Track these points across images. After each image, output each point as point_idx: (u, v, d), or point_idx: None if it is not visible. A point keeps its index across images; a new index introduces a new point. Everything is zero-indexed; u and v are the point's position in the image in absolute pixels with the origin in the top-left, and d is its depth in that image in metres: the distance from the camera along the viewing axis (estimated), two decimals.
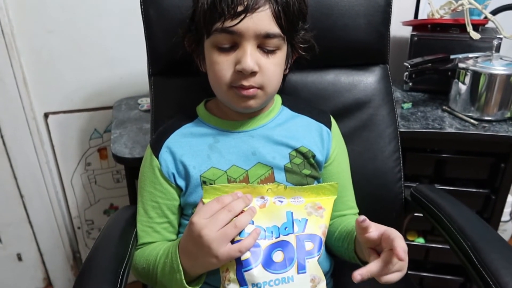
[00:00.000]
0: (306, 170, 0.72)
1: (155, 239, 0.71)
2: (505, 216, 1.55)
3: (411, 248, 1.24)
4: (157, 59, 0.86)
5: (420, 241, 1.24)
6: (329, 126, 0.77)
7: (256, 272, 0.56)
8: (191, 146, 0.70)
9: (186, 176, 0.69)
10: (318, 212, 0.62)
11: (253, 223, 0.59)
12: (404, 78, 1.05)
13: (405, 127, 1.02)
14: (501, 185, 1.08)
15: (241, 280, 0.57)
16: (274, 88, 0.68)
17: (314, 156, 0.73)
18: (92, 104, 1.27)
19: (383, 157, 0.89)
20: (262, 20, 0.61)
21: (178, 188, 0.70)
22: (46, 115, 1.26)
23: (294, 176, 0.70)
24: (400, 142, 0.91)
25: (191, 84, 0.86)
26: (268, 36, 0.62)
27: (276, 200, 0.62)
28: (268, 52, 0.64)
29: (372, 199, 0.90)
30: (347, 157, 0.81)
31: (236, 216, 0.58)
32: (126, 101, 1.22)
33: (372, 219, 0.89)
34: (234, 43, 0.63)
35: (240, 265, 0.57)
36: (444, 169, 1.12)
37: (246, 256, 0.57)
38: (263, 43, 0.63)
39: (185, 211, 0.71)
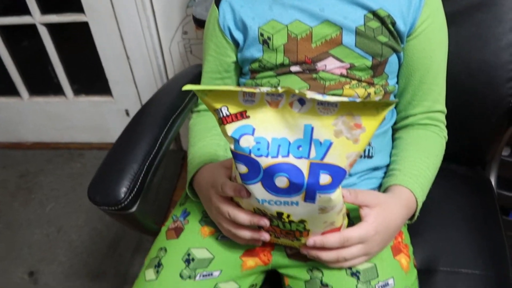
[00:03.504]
0: (382, 37, 0.62)
1: None
2: None
3: None
4: None
5: None
6: None
7: (255, 189, 0.47)
8: None
9: (244, 29, 0.65)
10: (352, 133, 0.43)
11: (253, 133, 0.45)
12: None
13: None
14: None
15: (245, 187, 0.49)
16: None
17: (394, 24, 0.61)
18: None
19: (497, 47, 0.72)
20: None
21: (234, 42, 0.67)
22: None
23: (366, 41, 0.61)
24: None
25: None
26: None
27: (294, 100, 0.44)
28: None
29: (471, 97, 0.76)
30: (443, 37, 0.67)
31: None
32: None
33: (464, 119, 0.77)
34: None
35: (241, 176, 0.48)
36: None
37: (243, 170, 0.46)
38: None
39: (243, 69, 0.69)
